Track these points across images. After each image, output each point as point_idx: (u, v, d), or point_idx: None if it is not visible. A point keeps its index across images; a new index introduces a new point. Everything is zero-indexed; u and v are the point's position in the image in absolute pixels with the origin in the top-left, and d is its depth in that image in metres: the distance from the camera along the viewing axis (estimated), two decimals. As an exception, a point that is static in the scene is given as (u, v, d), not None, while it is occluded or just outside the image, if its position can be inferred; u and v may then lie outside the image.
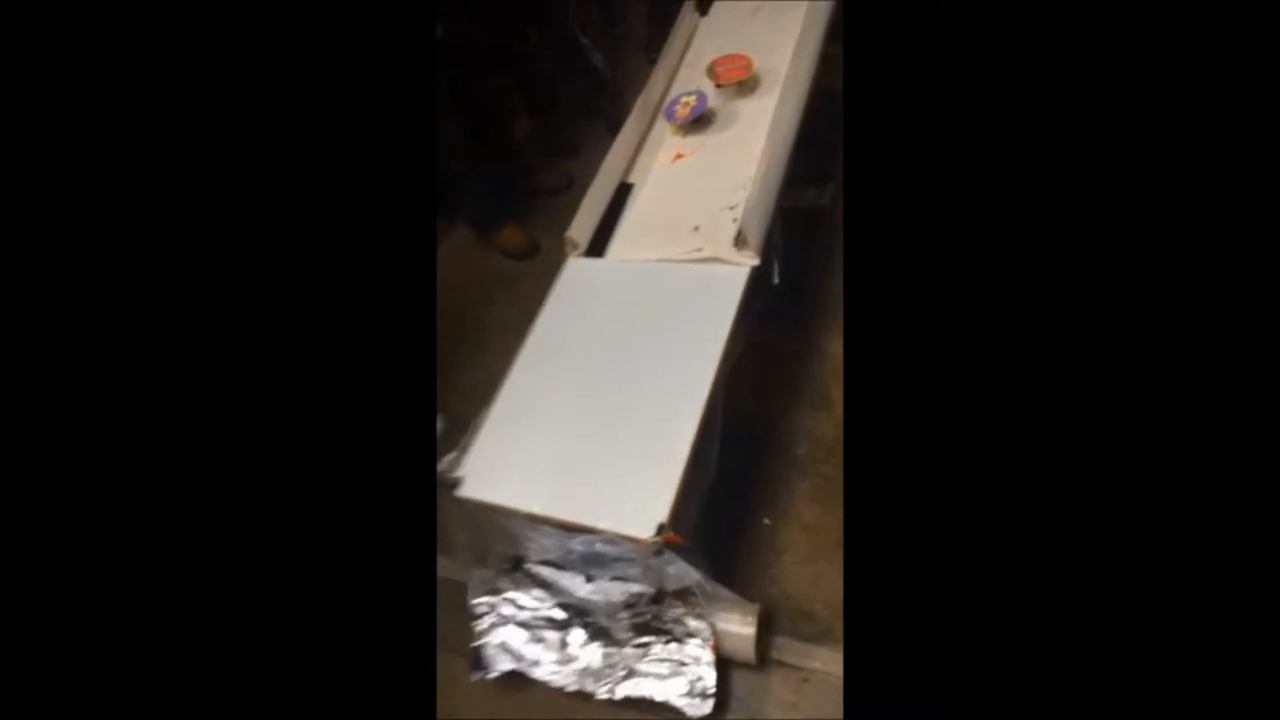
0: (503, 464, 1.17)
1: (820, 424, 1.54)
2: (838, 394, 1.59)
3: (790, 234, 1.56)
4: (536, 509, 1.12)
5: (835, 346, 1.67)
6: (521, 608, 1.29)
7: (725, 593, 1.17)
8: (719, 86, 1.62)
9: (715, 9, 1.89)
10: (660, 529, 1.04)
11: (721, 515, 1.29)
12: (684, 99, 1.60)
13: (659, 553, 1.06)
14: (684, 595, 1.18)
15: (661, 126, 1.64)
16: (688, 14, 1.89)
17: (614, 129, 1.72)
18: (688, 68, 1.77)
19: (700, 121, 1.59)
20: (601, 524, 1.07)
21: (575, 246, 1.47)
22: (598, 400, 1.22)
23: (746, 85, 1.62)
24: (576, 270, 1.45)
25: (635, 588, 1.21)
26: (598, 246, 1.48)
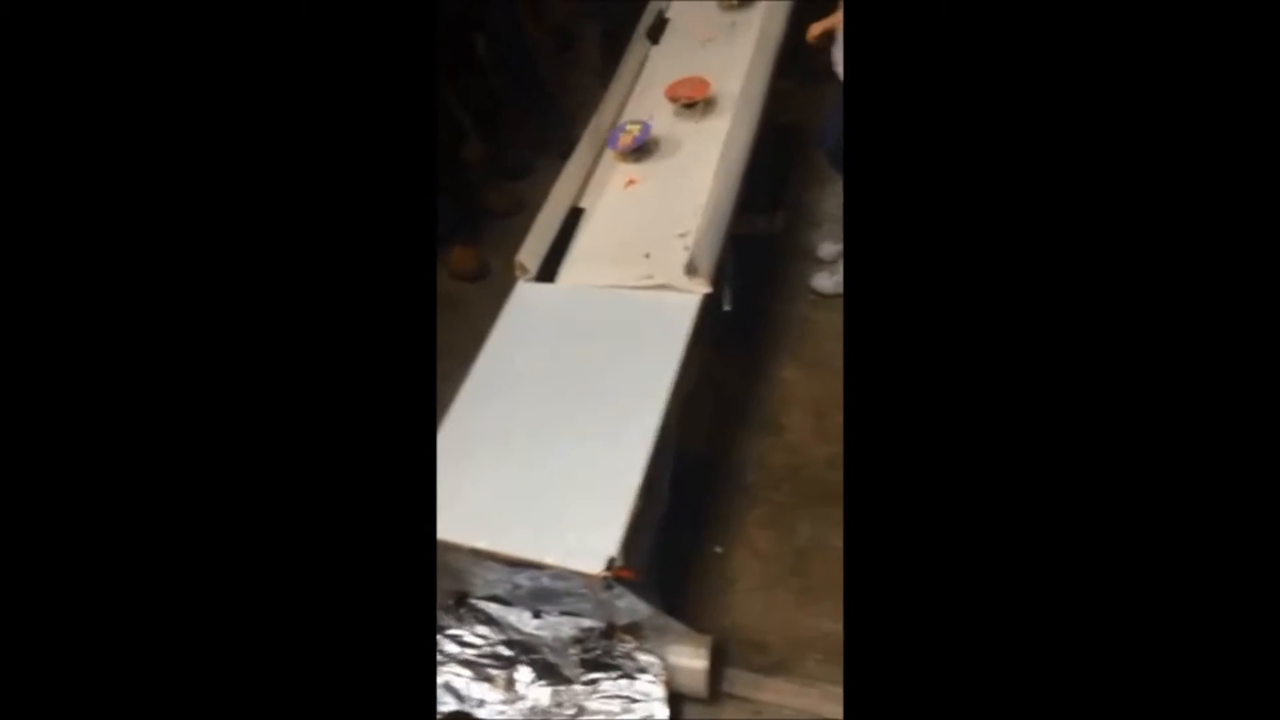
0: (446, 497, 1.12)
1: (770, 450, 1.55)
2: (786, 419, 1.60)
3: (741, 260, 1.57)
4: (481, 544, 1.08)
5: (784, 372, 1.68)
6: (466, 645, 1.24)
7: (676, 625, 1.15)
8: (687, 106, 1.64)
9: (666, 38, 1.91)
10: (610, 563, 1.02)
11: (672, 544, 1.28)
12: (629, 126, 1.61)
13: (609, 587, 1.03)
14: (634, 629, 1.15)
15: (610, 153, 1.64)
16: (639, 41, 1.91)
17: (565, 153, 1.71)
18: (639, 94, 1.78)
19: (642, 151, 1.60)
20: (549, 559, 1.04)
21: (525, 271, 1.45)
22: (546, 431, 1.19)
23: (706, 106, 1.64)
24: (526, 295, 1.43)
25: (585, 622, 1.18)
26: (548, 271, 1.46)
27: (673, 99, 1.66)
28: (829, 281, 1.78)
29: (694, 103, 1.64)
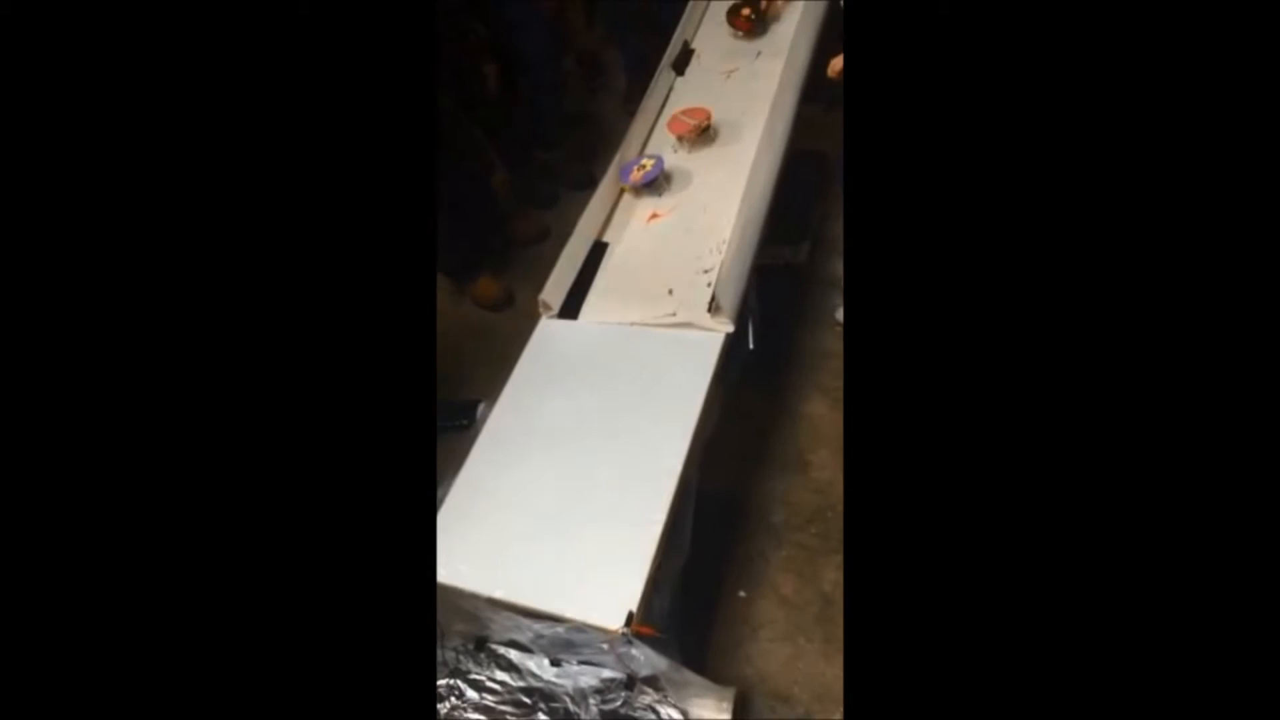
0: (463, 543, 1.12)
1: (795, 489, 1.51)
2: (813, 457, 1.56)
3: (765, 292, 1.55)
4: (499, 594, 1.07)
5: (809, 407, 1.65)
6: (486, 691, 1.22)
7: (697, 679, 1.12)
8: (703, 130, 1.63)
9: (691, 69, 1.90)
10: (630, 618, 0.99)
11: (695, 589, 1.25)
12: (643, 161, 1.60)
13: (629, 643, 1.01)
14: (655, 681, 1.13)
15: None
16: (665, 72, 1.90)
17: (591, 184, 1.71)
18: (664, 126, 1.77)
19: (655, 186, 1.59)
20: (567, 612, 1.02)
21: (548, 309, 1.44)
22: (565, 476, 1.18)
23: (707, 135, 1.63)
24: (548, 333, 1.42)
25: (605, 673, 1.16)
26: (572, 306, 1.45)
27: (679, 135, 1.64)
28: (856, 314, 1.74)
29: (705, 127, 1.62)
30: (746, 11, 1.83)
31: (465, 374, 1.91)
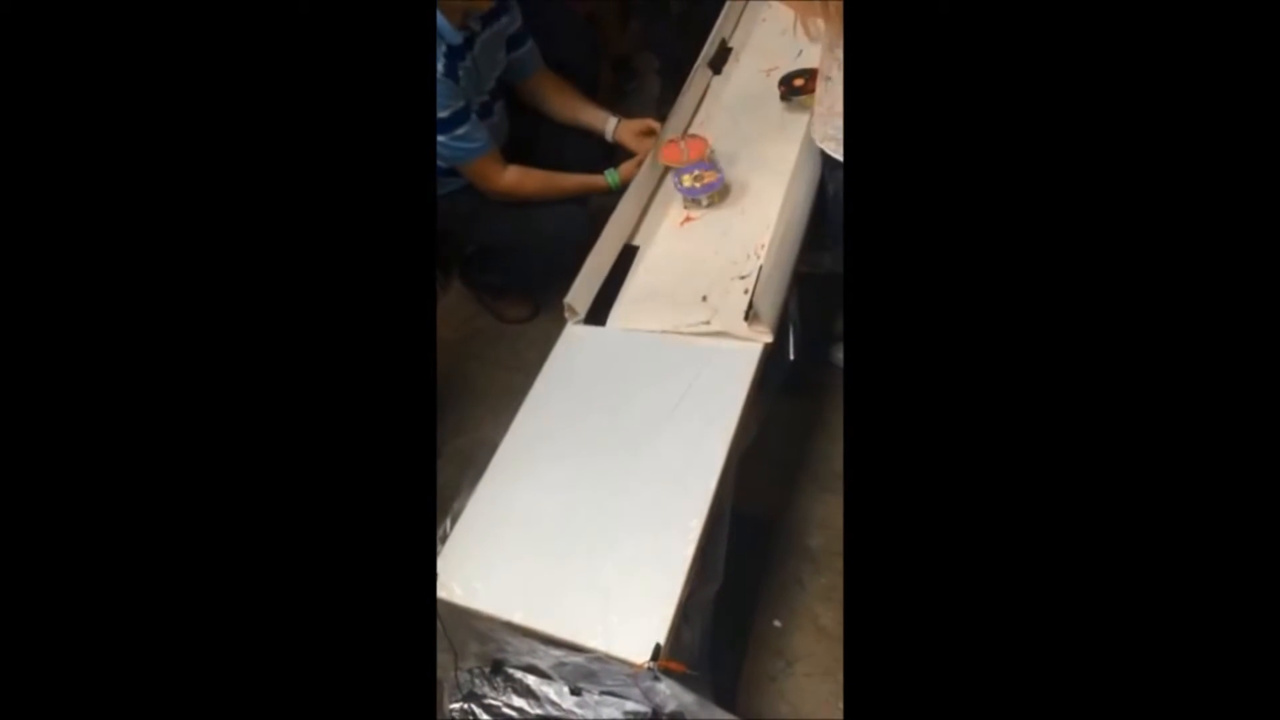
0: (480, 560, 1.05)
1: (834, 510, 1.42)
2: (854, 477, 1.46)
3: (806, 300, 1.46)
4: (516, 619, 1.00)
5: (851, 424, 1.55)
6: (499, 717, 1.15)
7: (726, 717, 1.03)
8: (668, 168, 1.54)
9: (729, 68, 1.83)
10: (656, 651, 0.91)
11: (726, 616, 1.16)
12: (699, 171, 1.51)
13: (655, 679, 0.93)
14: (681, 718, 1.04)
15: (669, 186, 1.56)
16: (701, 70, 1.83)
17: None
18: (699, 126, 1.71)
19: (707, 196, 1.50)
20: (589, 642, 0.95)
21: (574, 314, 1.38)
22: (589, 494, 1.10)
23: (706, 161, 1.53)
24: (574, 339, 1.35)
25: (629, 705, 1.07)
26: (599, 312, 1.38)
27: (669, 163, 1.54)
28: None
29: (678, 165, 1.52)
30: (800, 82, 1.69)
31: (488, 383, 1.86)
